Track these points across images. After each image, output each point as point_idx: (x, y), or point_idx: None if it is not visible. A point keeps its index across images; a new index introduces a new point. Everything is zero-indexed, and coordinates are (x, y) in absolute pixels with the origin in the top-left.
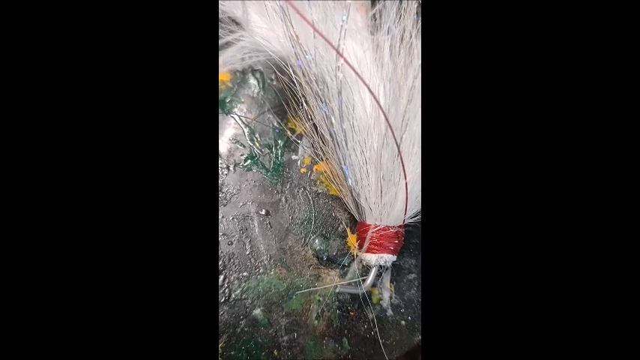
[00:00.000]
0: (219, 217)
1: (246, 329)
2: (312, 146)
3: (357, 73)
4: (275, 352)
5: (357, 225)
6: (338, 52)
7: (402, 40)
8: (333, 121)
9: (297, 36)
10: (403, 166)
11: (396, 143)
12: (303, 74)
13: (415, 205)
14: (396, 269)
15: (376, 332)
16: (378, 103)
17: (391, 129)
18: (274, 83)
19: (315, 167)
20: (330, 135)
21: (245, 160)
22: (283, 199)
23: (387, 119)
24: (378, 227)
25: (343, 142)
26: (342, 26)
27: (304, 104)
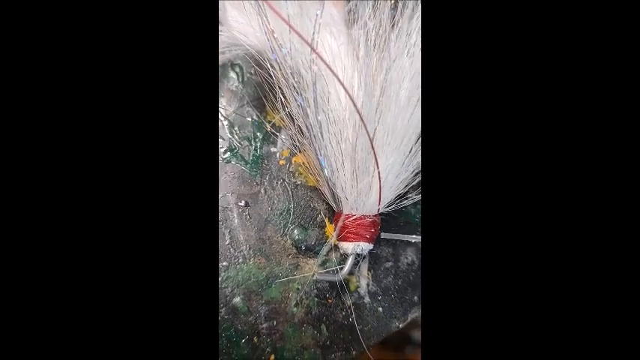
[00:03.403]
0: None
1: (226, 317)
2: (291, 138)
3: (329, 66)
4: (255, 339)
5: (334, 215)
6: (312, 48)
7: (377, 33)
8: (309, 112)
9: (272, 30)
10: (375, 157)
11: (368, 135)
12: (279, 67)
13: (389, 195)
14: (374, 258)
15: (354, 319)
16: (349, 95)
17: (362, 121)
18: (253, 77)
19: (293, 159)
20: (307, 126)
21: (224, 153)
22: (262, 191)
23: (358, 111)
24: (354, 216)
25: (319, 134)
26: (316, 20)
27: (281, 97)
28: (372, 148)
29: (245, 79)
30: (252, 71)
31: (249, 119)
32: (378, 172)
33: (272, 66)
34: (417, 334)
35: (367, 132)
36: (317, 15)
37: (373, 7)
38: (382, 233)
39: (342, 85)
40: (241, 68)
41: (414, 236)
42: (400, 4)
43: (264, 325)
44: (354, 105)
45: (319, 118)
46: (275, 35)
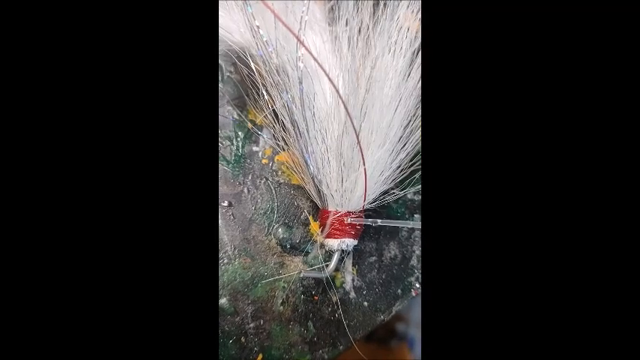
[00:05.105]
0: None
1: None
2: (274, 137)
3: (317, 62)
4: (242, 339)
5: (319, 212)
6: (300, 42)
7: (359, 31)
8: (295, 109)
9: (257, 26)
10: (362, 153)
11: (355, 131)
12: (264, 64)
13: (374, 191)
14: (358, 253)
15: (340, 314)
16: (337, 92)
17: (350, 117)
18: (233, 76)
19: (276, 158)
20: (292, 124)
21: None
22: (245, 190)
23: (346, 108)
24: (340, 213)
25: (305, 131)
26: (302, 17)
27: (265, 94)
28: (359, 144)
29: (224, 77)
30: (232, 69)
31: (230, 118)
32: (364, 169)
33: (256, 63)
34: (401, 327)
35: (354, 128)
36: (303, 12)
37: (355, 5)
38: (379, 220)
39: (330, 79)
40: (220, 67)
41: (410, 222)
42: (382, 3)
43: (251, 325)
44: (342, 101)
45: (305, 115)
46: (261, 32)
